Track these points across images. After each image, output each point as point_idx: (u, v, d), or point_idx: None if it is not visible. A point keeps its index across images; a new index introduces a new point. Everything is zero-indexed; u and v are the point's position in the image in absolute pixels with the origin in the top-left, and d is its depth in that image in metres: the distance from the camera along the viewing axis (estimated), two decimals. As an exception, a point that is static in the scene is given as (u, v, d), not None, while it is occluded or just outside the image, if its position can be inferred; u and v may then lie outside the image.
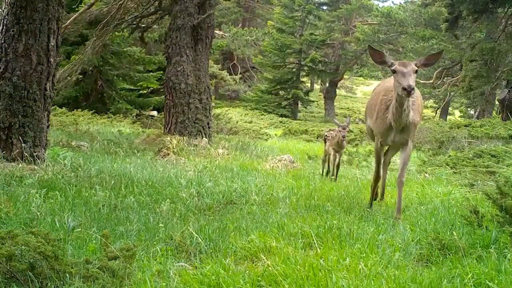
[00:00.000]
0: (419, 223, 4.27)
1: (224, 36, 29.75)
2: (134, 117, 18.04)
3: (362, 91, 45.69)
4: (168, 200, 4.93)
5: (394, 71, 4.27)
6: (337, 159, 7.47)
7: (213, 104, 14.46)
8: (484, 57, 15.50)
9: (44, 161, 6.27)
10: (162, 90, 17.48)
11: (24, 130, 6.18)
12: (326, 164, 7.89)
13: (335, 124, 7.43)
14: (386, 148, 5.28)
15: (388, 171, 6.73)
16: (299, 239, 3.71)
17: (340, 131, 7.14)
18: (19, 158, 6.03)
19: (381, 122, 4.69)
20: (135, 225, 3.99)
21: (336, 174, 7.46)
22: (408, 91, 4.06)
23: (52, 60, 6.37)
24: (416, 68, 4.24)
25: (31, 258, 2.74)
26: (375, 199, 5.33)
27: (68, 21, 11.41)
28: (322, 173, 7.95)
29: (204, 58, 11.54)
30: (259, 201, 5.23)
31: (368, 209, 4.96)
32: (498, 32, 15.95)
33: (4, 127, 6.11)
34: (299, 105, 33.32)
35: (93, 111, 16.67)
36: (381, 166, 5.19)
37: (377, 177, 5.20)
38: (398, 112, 4.44)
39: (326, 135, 7.96)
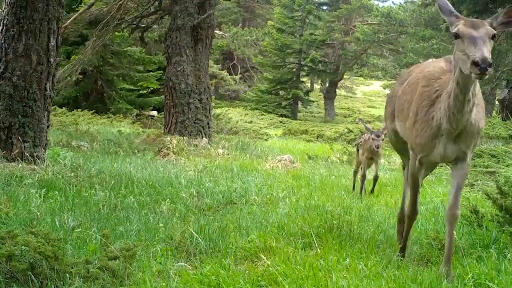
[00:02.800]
0: (419, 223, 4.27)
1: (224, 36, 29.74)
2: (134, 117, 18.05)
3: (362, 91, 45.66)
4: (168, 200, 4.94)
5: (456, 35, 2.74)
6: (374, 169, 6.25)
7: (213, 104, 14.46)
8: (484, 57, 15.48)
9: (44, 161, 6.27)
10: (162, 90, 17.49)
11: (24, 130, 6.18)
12: (359, 177, 6.48)
13: (366, 129, 6.23)
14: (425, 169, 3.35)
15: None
16: (299, 239, 3.71)
17: (373, 139, 5.81)
18: (19, 158, 6.03)
19: (424, 128, 3.06)
20: (135, 225, 4.00)
21: (373, 186, 6.24)
22: (483, 68, 2.53)
23: (52, 60, 6.37)
24: (494, 32, 2.75)
25: (31, 258, 2.74)
26: (402, 248, 3.52)
27: (68, 21, 11.42)
28: (353, 188, 6.54)
29: (204, 58, 11.55)
30: (259, 201, 5.23)
31: (401, 257, 3.40)
32: (498, 32, 15.92)
33: (4, 127, 6.12)
34: (299, 105, 33.30)
35: (93, 111, 16.69)
36: (418, 195, 3.38)
37: (413, 212, 3.39)
38: (458, 103, 2.85)
39: (359, 142, 6.64)
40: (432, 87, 3.10)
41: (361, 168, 6.34)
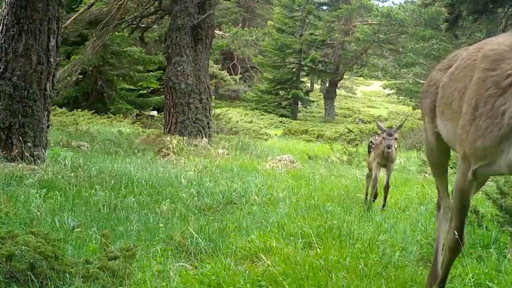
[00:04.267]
0: (419, 223, 4.28)
1: (224, 36, 29.75)
2: (134, 117, 18.04)
3: (362, 91, 45.67)
4: (168, 200, 4.94)
5: None
6: (385, 176, 5.58)
7: (213, 104, 14.46)
8: (484, 57, 15.45)
9: (44, 161, 6.27)
10: (162, 90, 17.49)
11: (24, 130, 6.18)
12: (372, 183, 5.62)
13: (379, 128, 5.38)
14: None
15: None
16: (299, 239, 3.71)
17: (384, 138, 5.14)
18: (19, 158, 6.02)
19: (490, 126, 2.24)
20: (135, 225, 3.99)
21: (385, 199, 5.43)
22: None
23: (52, 60, 6.36)
24: None
25: (31, 258, 2.74)
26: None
27: (68, 21, 11.42)
28: (366, 197, 5.68)
29: (204, 58, 11.55)
30: (259, 201, 5.23)
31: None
32: (498, 32, 15.91)
33: (4, 127, 6.11)
34: (299, 105, 33.29)
35: (93, 111, 16.68)
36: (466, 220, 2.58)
37: (458, 243, 2.52)
38: None
39: (370, 142, 5.88)
40: (501, 71, 2.25)
41: (372, 173, 5.60)
